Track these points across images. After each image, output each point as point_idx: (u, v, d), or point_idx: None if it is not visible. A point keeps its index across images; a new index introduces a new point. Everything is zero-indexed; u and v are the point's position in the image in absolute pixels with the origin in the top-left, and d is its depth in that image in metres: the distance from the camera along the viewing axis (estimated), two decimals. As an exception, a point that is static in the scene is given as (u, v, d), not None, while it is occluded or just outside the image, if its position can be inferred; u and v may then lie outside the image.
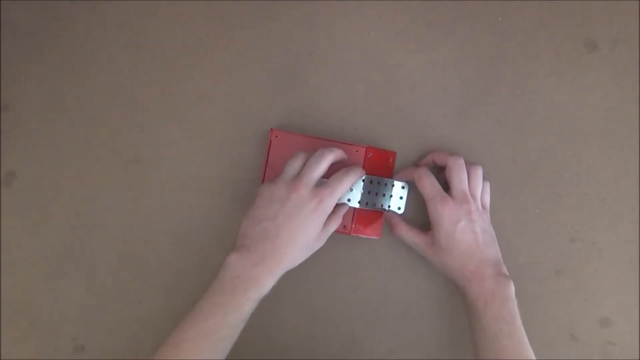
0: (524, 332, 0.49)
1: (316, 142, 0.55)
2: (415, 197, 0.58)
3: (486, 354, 0.49)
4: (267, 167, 0.55)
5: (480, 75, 0.59)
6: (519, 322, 0.49)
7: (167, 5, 0.59)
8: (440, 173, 0.55)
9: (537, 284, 0.59)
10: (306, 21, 0.59)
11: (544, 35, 0.59)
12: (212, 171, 0.59)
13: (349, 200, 0.53)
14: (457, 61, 0.59)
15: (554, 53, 0.59)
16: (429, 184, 0.53)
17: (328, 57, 0.59)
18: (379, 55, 0.59)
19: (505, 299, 0.50)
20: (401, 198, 0.57)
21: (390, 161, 0.57)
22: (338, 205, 0.53)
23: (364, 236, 0.57)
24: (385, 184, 0.56)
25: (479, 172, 0.54)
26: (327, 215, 0.49)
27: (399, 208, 0.57)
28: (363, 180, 0.54)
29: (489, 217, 0.55)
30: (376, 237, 0.58)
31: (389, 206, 0.56)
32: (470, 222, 0.51)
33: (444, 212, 0.51)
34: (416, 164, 0.58)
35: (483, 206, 0.54)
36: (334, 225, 0.52)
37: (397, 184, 0.57)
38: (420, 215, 0.58)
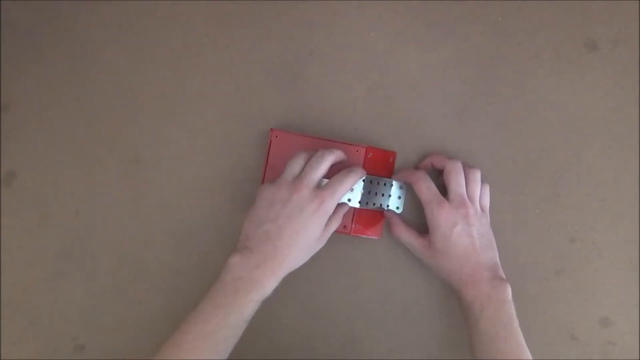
0: (521, 334, 0.49)
1: (316, 142, 0.55)
2: (414, 197, 0.58)
3: (483, 357, 0.49)
4: (267, 167, 0.55)
5: (480, 75, 0.59)
6: (516, 324, 0.49)
7: (167, 5, 0.59)
8: (439, 177, 0.55)
9: (537, 284, 0.59)
10: (306, 21, 0.59)
11: (544, 35, 0.59)
12: (212, 171, 0.59)
13: (349, 200, 0.53)
14: (457, 61, 0.59)
15: (554, 53, 0.59)
16: (426, 188, 0.53)
17: (328, 57, 0.59)
18: (379, 55, 0.59)
19: (501, 302, 0.50)
20: (399, 198, 0.57)
21: (390, 161, 0.57)
22: (338, 205, 0.53)
23: (364, 236, 0.57)
24: (385, 184, 0.56)
25: (477, 175, 0.54)
26: (328, 216, 0.49)
27: (397, 207, 0.57)
28: (363, 181, 0.54)
29: (489, 220, 0.55)
30: (376, 237, 0.58)
31: (388, 206, 0.56)
32: (467, 226, 0.51)
33: (441, 216, 0.51)
34: (415, 167, 0.58)
35: (482, 209, 0.54)
36: (335, 225, 0.52)
37: (396, 184, 0.57)
38: (418, 216, 0.58)
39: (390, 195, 0.56)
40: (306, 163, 0.50)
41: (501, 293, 0.50)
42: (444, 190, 0.53)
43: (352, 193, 0.53)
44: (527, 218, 0.59)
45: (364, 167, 0.55)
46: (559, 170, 0.59)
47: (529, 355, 0.49)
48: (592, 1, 0.59)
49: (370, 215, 0.57)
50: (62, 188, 0.59)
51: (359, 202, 0.54)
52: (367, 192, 0.55)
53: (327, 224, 0.50)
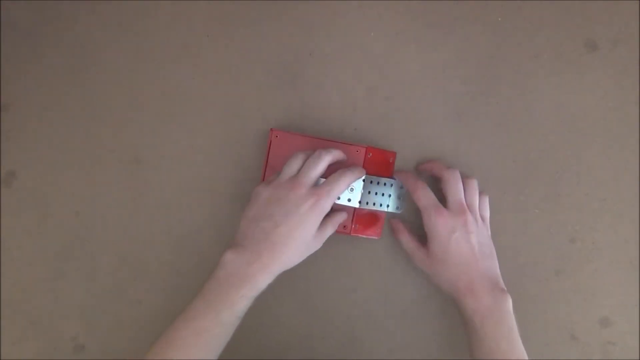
0: (521, 346, 0.49)
1: (316, 142, 0.55)
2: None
3: None
4: (267, 167, 0.55)
5: (480, 75, 0.59)
6: (516, 335, 0.49)
7: (167, 5, 0.59)
8: (437, 184, 0.56)
9: (537, 284, 0.59)
10: (306, 21, 0.59)
11: (544, 35, 0.59)
12: (212, 171, 0.59)
13: (349, 200, 0.53)
14: (457, 61, 0.59)
15: (554, 53, 0.59)
16: (424, 195, 0.53)
17: (328, 57, 0.59)
18: (379, 55, 0.59)
19: (502, 314, 0.49)
20: (399, 198, 0.57)
21: (390, 161, 0.57)
22: (336, 212, 0.53)
23: (364, 236, 0.57)
24: (385, 184, 0.56)
25: (475, 184, 0.54)
26: (323, 214, 0.49)
27: (398, 208, 0.57)
28: (363, 181, 0.54)
29: (489, 231, 0.55)
30: (376, 237, 0.58)
31: (388, 206, 0.56)
32: (465, 233, 0.51)
33: (438, 222, 0.51)
34: (416, 168, 0.59)
35: (482, 220, 0.54)
36: (330, 229, 0.52)
37: (397, 184, 0.57)
38: (419, 216, 0.58)
39: (390, 195, 0.56)
40: (304, 163, 0.50)
41: (502, 305, 0.49)
42: (442, 200, 0.53)
43: (352, 193, 0.53)
44: (527, 218, 0.59)
45: (364, 167, 0.55)
46: (559, 170, 0.59)
47: None
48: (592, 1, 0.59)
49: (370, 215, 0.57)
50: (62, 188, 0.59)
51: (359, 202, 0.54)
52: (367, 192, 0.55)
53: (322, 227, 0.50)
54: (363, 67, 0.59)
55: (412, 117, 0.59)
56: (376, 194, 0.55)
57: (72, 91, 0.59)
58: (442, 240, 0.51)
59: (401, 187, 0.57)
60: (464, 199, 0.53)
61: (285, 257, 0.48)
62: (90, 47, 0.59)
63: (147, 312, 0.59)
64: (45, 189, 0.59)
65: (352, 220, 0.56)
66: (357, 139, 0.58)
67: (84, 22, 0.59)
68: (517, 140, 0.59)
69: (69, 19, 0.59)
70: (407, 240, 0.55)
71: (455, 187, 0.53)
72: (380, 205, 0.56)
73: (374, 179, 0.55)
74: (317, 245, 0.51)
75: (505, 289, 0.51)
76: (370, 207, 0.55)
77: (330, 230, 0.52)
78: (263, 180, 0.56)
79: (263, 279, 0.47)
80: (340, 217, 0.54)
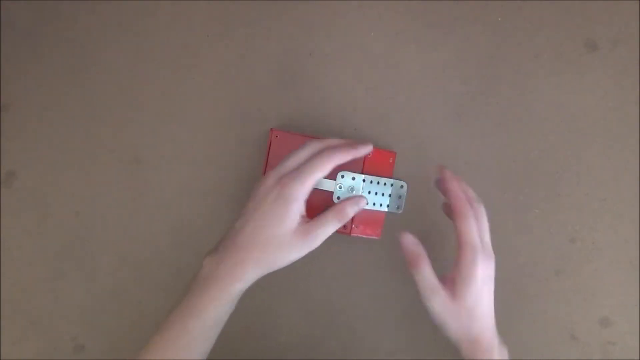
0: None
1: (316, 142, 0.55)
2: (413, 197, 0.58)
3: None
4: (267, 167, 0.55)
5: (480, 75, 0.59)
6: None
7: (167, 5, 0.59)
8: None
9: (537, 284, 0.59)
10: (306, 21, 0.59)
11: (544, 35, 0.59)
12: (212, 171, 0.59)
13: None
14: (457, 61, 0.59)
15: (554, 53, 0.59)
16: (475, 231, 0.46)
17: (328, 57, 0.59)
18: (379, 55, 0.59)
19: None
20: (400, 197, 0.57)
21: (390, 161, 0.57)
22: (344, 201, 0.47)
23: (364, 236, 0.57)
24: (385, 184, 0.56)
25: (485, 216, 0.49)
26: (293, 204, 0.43)
27: (398, 207, 0.57)
28: (363, 181, 0.54)
29: None
30: (376, 237, 0.58)
31: (388, 206, 0.56)
32: (492, 283, 0.47)
33: (480, 267, 0.45)
34: (437, 185, 0.51)
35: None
36: (329, 222, 0.45)
37: (397, 184, 0.57)
38: (419, 216, 0.58)
39: (390, 195, 0.56)
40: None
41: (505, 357, 0.47)
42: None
43: (352, 193, 0.53)
44: (527, 218, 0.59)
45: (363, 167, 0.55)
46: (559, 170, 0.59)
47: None
48: (592, 1, 0.59)
49: (370, 215, 0.57)
50: (62, 188, 0.59)
51: (359, 202, 0.54)
52: (367, 192, 0.55)
53: (314, 220, 0.45)
54: (363, 67, 0.59)
55: (412, 117, 0.59)
56: (376, 194, 0.55)
57: (72, 91, 0.59)
58: (477, 288, 0.45)
59: (401, 187, 0.57)
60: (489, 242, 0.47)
61: (254, 258, 0.43)
62: (90, 47, 0.59)
63: (147, 312, 0.59)
64: (45, 189, 0.59)
65: (352, 220, 0.56)
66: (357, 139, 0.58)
67: (84, 22, 0.59)
68: (517, 140, 0.59)
69: (69, 19, 0.59)
70: (429, 275, 0.46)
71: (485, 226, 0.47)
72: (380, 205, 0.56)
73: (374, 179, 0.55)
74: (305, 242, 0.44)
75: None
76: (370, 207, 0.55)
77: (329, 222, 0.45)
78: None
79: (232, 282, 0.43)
80: (351, 207, 0.46)
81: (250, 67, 0.59)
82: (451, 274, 0.46)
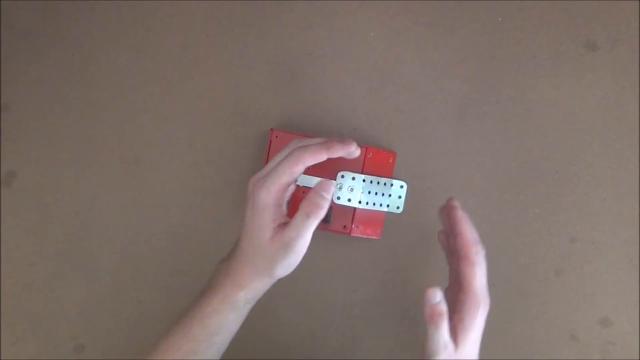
0: None
1: (316, 142, 0.55)
2: (413, 197, 0.58)
3: None
4: (267, 167, 0.55)
5: (480, 75, 0.59)
6: None
7: (167, 5, 0.59)
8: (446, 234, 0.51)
9: (537, 284, 0.59)
10: (306, 21, 0.59)
11: (544, 35, 0.59)
12: (212, 171, 0.59)
13: (349, 200, 0.53)
14: (457, 61, 0.59)
15: (554, 53, 0.59)
16: (483, 279, 0.45)
17: (328, 57, 0.59)
18: (379, 55, 0.59)
19: None
20: (400, 197, 0.57)
21: (390, 161, 0.57)
22: (320, 184, 0.43)
23: (364, 236, 0.57)
24: (385, 184, 0.56)
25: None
26: (262, 213, 0.42)
27: (398, 207, 0.57)
28: (363, 181, 0.54)
29: None
30: (376, 237, 0.58)
31: (388, 205, 0.56)
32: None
33: (481, 318, 0.45)
34: (442, 214, 0.50)
35: None
36: (300, 222, 0.42)
37: (397, 184, 0.57)
38: (419, 216, 0.58)
39: (390, 195, 0.56)
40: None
41: None
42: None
43: (352, 193, 0.53)
44: (527, 218, 0.59)
45: (364, 167, 0.55)
46: (559, 170, 0.59)
47: None
48: (592, 1, 0.59)
49: (370, 215, 0.57)
50: (62, 188, 0.59)
51: (359, 202, 0.54)
52: (367, 192, 0.55)
53: (291, 220, 0.43)
54: (363, 67, 0.59)
55: (412, 117, 0.59)
56: (376, 194, 0.55)
57: (72, 91, 0.59)
58: (477, 337, 0.45)
59: (401, 187, 0.57)
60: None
61: (252, 268, 0.44)
62: (90, 47, 0.59)
63: (147, 312, 0.59)
64: (45, 189, 0.59)
65: (352, 220, 0.56)
66: (357, 139, 0.58)
67: (84, 22, 0.59)
68: (517, 140, 0.59)
69: (69, 19, 0.59)
70: (445, 333, 0.43)
71: (485, 272, 0.45)
72: (380, 205, 0.56)
73: (374, 179, 0.55)
74: (285, 250, 0.42)
75: None
76: (370, 207, 0.55)
77: (300, 222, 0.42)
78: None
79: (235, 291, 0.44)
80: (314, 195, 0.42)
81: (250, 67, 0.59)
82: (453, 319, 0.45)
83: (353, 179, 0.53)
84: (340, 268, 0.59)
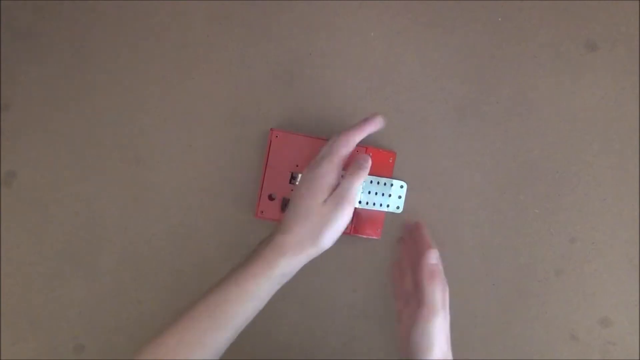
0: None
1: (316, 142, 0.55)
2: (413, 197, 0.58)
3: None
4: (267, 167, 0.55)
5: (480, 75, 0.59)
6: None
7: (167, 5, 0.59)
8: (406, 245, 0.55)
9: (537, 284, 0.59)
10: (306, 21, 0.59)
11: (544, 35, 0.59)
12: (212, 171, 0.59)
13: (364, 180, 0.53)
14: (457, 61, 0.59)
15: (554, 53, 0.59)
16: (444, 292, 0.49)
17: (328, 57, 0.59)
18: (379, 55, 0.59)
19: None
20: (400, 197, 0.57)
21: (390, 161, 0.57)
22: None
23: (364, 236, 0.57)
24: (385, 184, 0.56)
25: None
26: (322, 174, 0.48)
27: (398, 207, 0.57)
28: (363, 180, 0.54)
29: None
30: (376, 237, 0.58)
31: (388, 206, 0.56)
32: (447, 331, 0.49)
33: (442, 331, 0.48)
34: (407, 227, 0.57)
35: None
36: (348, 174, 0.49)
37: (397, 184, 0.57)
38: (418, 216, 0.58)
39: (390, 195, 0.56)
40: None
41: None
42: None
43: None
44: (527, 218, 0.59)
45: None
46: (559, 170, 0.59)
47: None
48: (592, 1, 0.59)
49: (370, 215, 0.57)
50: (62, 188, 0.59)
51: (359, 202, 0.54)
52: (367, 192, 0.55)
53: (344, 176, 0.49)
54: (363, 67, 0.59)
55: (412, 117, 0.59)
56: (376, 194, 0.55)
57: (72, 91, 0.59)
58: (443, 349, 0.48)
59: (401, 187, 0.57)
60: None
61: (287, 243, 0.46)
62: (90, 47, 0.59)
63: (147, 312, 0.59)
64: (45, 189, 0.59)
65: (352, 220, 0.56)
66: (357, 139, 0.58)
67: (84, 22, 0.59)
68: (517, 140, 0.59)
69: (69, 19, 0.59)
70: (441, 290, 0.49)
71: (446, 286, 0.50)
72: (380, 205, 0.56)
73: (374, 179, 0.55)
74: (332, 209, 0.47)
75: None
76: (370, 207, 0.55)
77: (345, 179, 0.48)
78: (263, 180, 0.56)
79: (276, 258, 0.46)
80: (356, 161, 0.49)
81: (250, 67, 0.59)
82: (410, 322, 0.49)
83: (353, 179, 0.53)
84: (340, 268, 0.59)
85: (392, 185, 0.56)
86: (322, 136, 0.56)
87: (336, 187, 0.47)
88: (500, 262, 0.59)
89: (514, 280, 0.59)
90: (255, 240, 0.58)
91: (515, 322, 0.59)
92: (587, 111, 0.59)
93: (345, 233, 0.56)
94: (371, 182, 0.55)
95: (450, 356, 0.49)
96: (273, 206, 0.56)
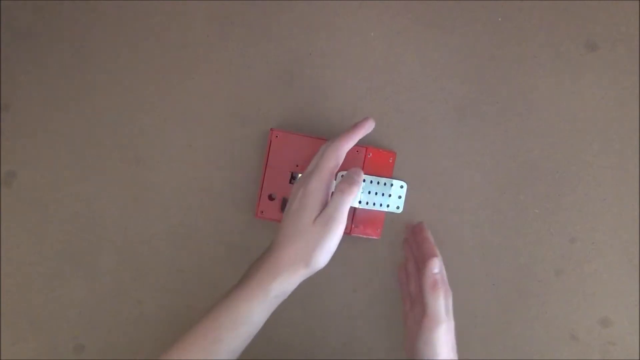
0: None
1: (316, 142, 0.55)
2: (413, 197, 0.58)
3: None
4: (267, 167, 0.56)
5: (480, 75, 0.59)
6: None
7: (167, 5, 0.59)
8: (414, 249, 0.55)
9: (537, 284, 0.59)
10: (306, 21, 0.59)
11: (544, 35, 0.59)
12: (212, 171, 0.59)
13: (356, 196, 0.53)
14: (457, 61, 0.59)
15: (554, 53, 0.59)
16: (447, 299, 0.49)
17: (328, 57, 0.59)
18: (379, 55, 0.59)
19: None
20: (400, 197, 0.57)
21: (390, 161, 0.57)
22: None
23: (364, 236, 0.57)
24: (385, 184, 0.56)
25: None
26: (311, 190, 0.47)
27: (398, 207, 0.57)
28: (363, 181, 0.54)
29: None
30: (376, 237, 0.58)
31: (388, 206, 0.56)
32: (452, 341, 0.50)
33: (446, 339, 0.49)
34: (410, 228, 0.57)
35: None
36: (337, 191, 0.47)
37: (396, 184, 0.57)
38: (419, 216, 0.58)
39: (390, 195, 0.56)
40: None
41: None
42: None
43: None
44: (527, 218, 0.59)
45: (364, 167, 0.55)
46: (559, 170, 0.59)
47: None
48: (592, 1, 0.59)
49: (370, 215, 0.57)
50: (62, 188, 0.59)
51: (359, 202, 0.54)
52: (367, 192, 0.55)
53: (334, 193, 0.48)
54: (363, 67, 0.59)
55: (412, 117, 0.59)
56: (376, 194, 0.55)
57: (72, 91, 0.59)
58: (446, 355, 0.49)
59: (401, 187, 0.57)
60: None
61: (279, 264, 0.45)
62: (90, 47, 0.59)
63: (147, 312, 0.59)
64: (45, 189, 0.59)
65: (352, 220, 0.56)
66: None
67: (84, 22, 0.59)
68: (517, 140, 0.59)
69: (69, 19, 0.59)
70: (443, 301, 0.49)
71: (449, 294, 0.50)
72: (380, 205, 0.56)
73: (374, 179, 0.55)
74: (322, 228, 0.45)
75: None
76: (370, 207, 0.55)
77: (335, 197, 0.46)
78: (263, 180, 0.56)
79: (269, 281, 0.45)
80: (347, 177, 0.47)
81: (250, 67, 0.59)
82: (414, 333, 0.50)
83: (353, 179, 0.53)
84: (340, 268, 0.59)
85: (392, 185, 0.56)
86: (322, 136, 0.56)
87: (327, 201, 0.46)
88: (500, 262, 0.59)
89: (514, 280, 0.59)
90: (255, 240, 0.59)
91: (515, 322, 0.59)
92: (587, 111, 0.59)
93: (345, 233, 0.56)
94: (371, 182, 0.55)
95: None
96: (273, 206, 0.56)
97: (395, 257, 0.59)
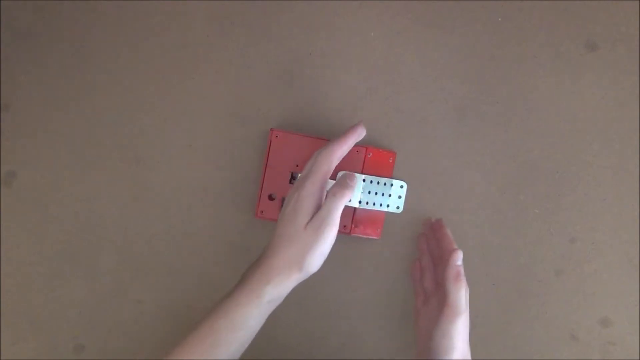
0: None
1: (316, 142, 0.55)
2: (413, 197, 0.58)
3: None
4: (267, 167, 0.56)
5: (480, 75, 0.59)
6: None
7: (167, 5, 0.59)
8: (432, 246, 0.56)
9: (537, 284, 0.59)
10: (306, 21, 0.59)
11: (544, 35, 0.59)
12: (212, 171, 0.59)
13: (349, 200, 0.53)
14: (457, 61, 0.59)
15: (554, 53, 0.59)
16: (466, 297, 0.49)
17: (328, 57, 0.59)
18: (379, 55, 0.59)
19: None
20: (400, 197, 0.57)
21: (390, 161, 0.57)
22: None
23: (364, 236, 0.57)
24: (385, 184, 0.56)
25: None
26: (305, 195, 0.47)
27: (398, 207, 0.57)
28: (363, 180, 0.54)
29: None
30: (376, 237, 0.58)
31: (388, 206, 0.56)
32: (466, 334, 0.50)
33: (463, 332, 0.49)
34: (428, 224, 0.57)
35: None
36: (330, 194, 0.48)
37: (396, 184, 0.57)
38: (419, 216, 0.58)
39: (390, 195, 0.56)
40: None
41: None
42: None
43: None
44: (527, 218, 0.59)
45: (364, 167, 0.55)
46: (559, 170, 0.59)
47: None
48: (592, 1, 0.59)
49: (370, 215, 0.57)
50: (62, 188, 0.59)
51: (359, 202, 0.54)
52: (367, 192, 0.55)
53: (326, 196, 0.49)
54: (363, 67, 0.59)
55: (412, 117, 0.59)
56: (376, 194, 0.55)
57: (72, 91, 0.59)
58: (463, 351, 0.49)
59: (401, 187, 0.57)
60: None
61: (272, 268, 0.46)
62: (90, 47, 0.59)
63: (147, 312, 0.59)
64: (45, 189, 0.59)
65: (352, 220, 0.56)
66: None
67: (84, 22, 0.59)
68: (517, 140, 0.59)
69: (69, 19, 0.59)
70: (465, 292, 0.50)
71: (467, 291, 0.50)
72: (380, 205, 0.56)
73: (374, 178, 0.55)
74: (314, 232, 0.46)
75: None
76: (370, 207, 0.55)
77: (327, 200, 0.46)
78: (263, 180, 0.56)
79: (261, 286, 0.45)
80: (340, 181, 0.48)
81: (250, 67, 0.59)
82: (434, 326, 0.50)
83: (353, 179, 0.53)
84: (340, 268, 0.59)
85: (392, 185, 0.56)
86: (322, 136, 0.56)
87: (320, 206, 0.47)
88: (500, 262, 0.59)
89: (514, 280, 0.59)
90: (255, 240, 0.59)
91: (515, 322, 0.59)
92: (587, 111, 0.59)
93: (345, 233, 0.56)
94: (371, 182, 0.55)
95: (469, 356, 0.49)
96: (273, 206, 0.56)
97: (395, 257, 0.59)
